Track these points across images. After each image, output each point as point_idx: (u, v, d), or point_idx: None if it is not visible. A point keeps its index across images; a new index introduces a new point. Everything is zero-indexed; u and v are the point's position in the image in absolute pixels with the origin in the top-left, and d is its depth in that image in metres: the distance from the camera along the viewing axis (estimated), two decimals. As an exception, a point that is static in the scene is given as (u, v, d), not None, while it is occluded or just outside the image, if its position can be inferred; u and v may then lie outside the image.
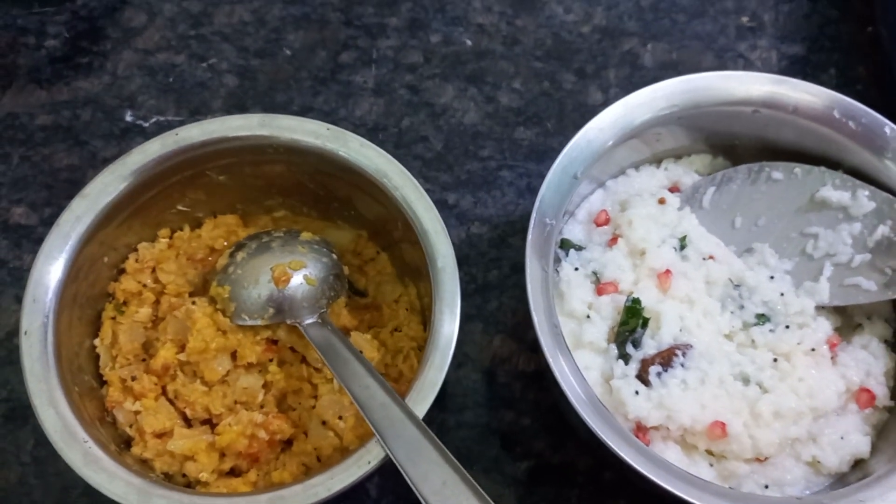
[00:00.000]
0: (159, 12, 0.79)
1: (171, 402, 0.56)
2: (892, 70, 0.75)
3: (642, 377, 0.54)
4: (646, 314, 0.55)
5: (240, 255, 0.58)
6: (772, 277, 0.57)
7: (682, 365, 0.54)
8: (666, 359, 0.54)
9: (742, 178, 0.60)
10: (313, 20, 0.79)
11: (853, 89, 0.77)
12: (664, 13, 0.80)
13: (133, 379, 0.56)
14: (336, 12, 0.79)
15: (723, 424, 0.51)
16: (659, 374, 0.54)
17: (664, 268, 0.57)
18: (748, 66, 0.77)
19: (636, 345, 0.55)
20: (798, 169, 0.59)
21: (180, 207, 0.62)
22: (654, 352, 0.55)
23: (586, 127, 0.56)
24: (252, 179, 0.62)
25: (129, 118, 0.74)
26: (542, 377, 0.64)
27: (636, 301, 0.55)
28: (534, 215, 0.53)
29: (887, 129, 0.57)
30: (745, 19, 0.79)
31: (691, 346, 0.55)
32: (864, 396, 0.55)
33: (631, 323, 0.55)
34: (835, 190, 0.57)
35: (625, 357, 0.55)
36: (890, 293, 0.55)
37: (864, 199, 0.56)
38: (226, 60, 0.77)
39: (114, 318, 0.58)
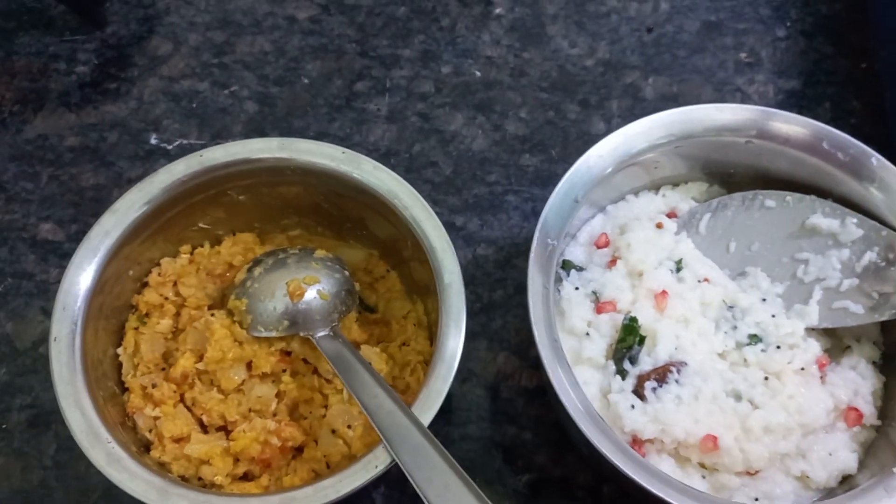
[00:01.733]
0: (184, 41, 0.83)
1: (188, 408, 0.59)
2: (886, 104, 0.78)
3: (638, 392, 0.56)
4: (642, 332, 0.58)
5: (257, 271, 0.61)
6: (764, 300, 0.60)
7: (677, 381, 0.56)
8: (661, 375, 0.57)
9: (736, 206, 0.63)
10: (330, 50, 0.83)
11: (847, 122, 0.80)
12: (665, 48, 0.83)
13: (153, 386, 0.59)
14: (352, 43, 0.83)
15: (715, 438, 0.54)
16: (654, 390, 0.56)
17: (661, 289, 0.59)
18: (745, 99, 0.81)
19: (633, 361, 0.57)
20: (790, 197, 0.61)
21: (202, 225, 0.65)
22: (649, 368, 0.57)
23: (587, 154, 0.59)
24: (270, 199, 0.65)
25: (153, 141, 0.78)
26: (544, 393, 0.67)
27: (633, 319, 0.58)
28: (536, 235, 0.56)
29: (874, 160, 0.59)
30: (743, 55, 0.83)
31: (686, 364, 0.57)
32: (852, 415, 0.57)
33: (628, 340, 0.57)
34: (824, 217, 0.60)
35: (622, 373, 0.57)
36: (876, 316, 0.57)
37: (853, 227, 0.59)
38: (246, 87, 0.81)
39: (136, 329, 0.61)
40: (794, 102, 0.81)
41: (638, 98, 0.81)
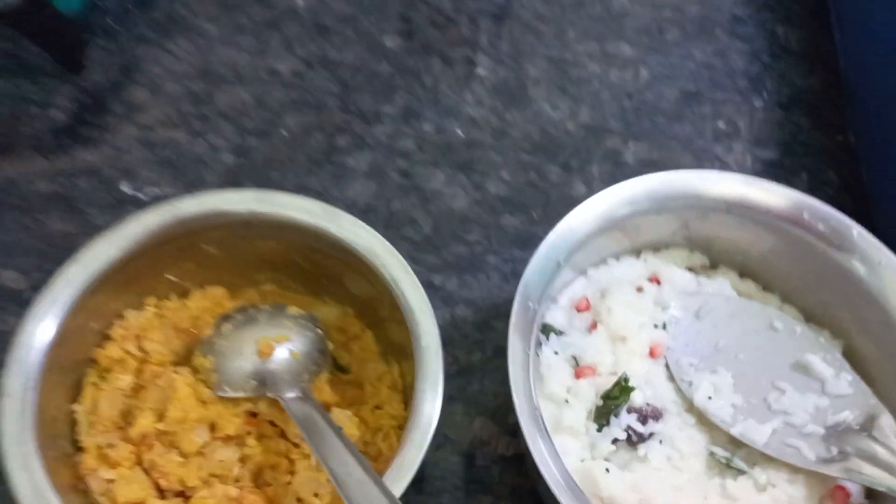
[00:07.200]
0: (163, 90, 0.82)
1: (146, 472, 0.56)
2: (861, 176, 0.79)
3: (630, 436, 0.55)
4: (632, 384, 0.57)
5: (225, 327, 0.59)
6: (710, 398, 0.57)
7: (659, 439, 0.55)
8: (643, 418, 0.56)
9: (747, 314, 0.60)
10: (311, 105, 0.82)
11: (824, 193, 0.80)
12: (645, 114, 0.84)
13: (110, 447, 0.56)
14: (334, 98, 0.83)
15: (697, 512, 0.52)
16: (639, 440, 0.55)
17: (652, 344, 0.59)
18: (724, 167, 0.81)
19: (618, 416, 0.56)
20: (799, 328, 0.59)
21: (170, 277, 0.63)
22: (633, 413, 0.56)
23: (569, 216, 0.59)
24: (243, 253, 0.63)
25: (125, 189, 0.76)
26: (521, 461, 0.64)
27: (626, 379, 0.57)
28: (518, 298, 0.55)
29: (854, 232, 0.59)
30: (721, 124, 0.84)
31: (664, 412, 0.56)
32: (839, 494, 0.55)
33: (622, 398, 0.56)
34: (822, 362, 0.57)
35: (603, 428, 0.56)
36: (823, 469, 0.54)
37: (845, 383, 0.57)
38: (224, 138, 0.79)
39: (95, 384, 0.58)
40: (772, 172, 0.82)
41: (618, 163, 0.81)
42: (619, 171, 0.80)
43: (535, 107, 0.84)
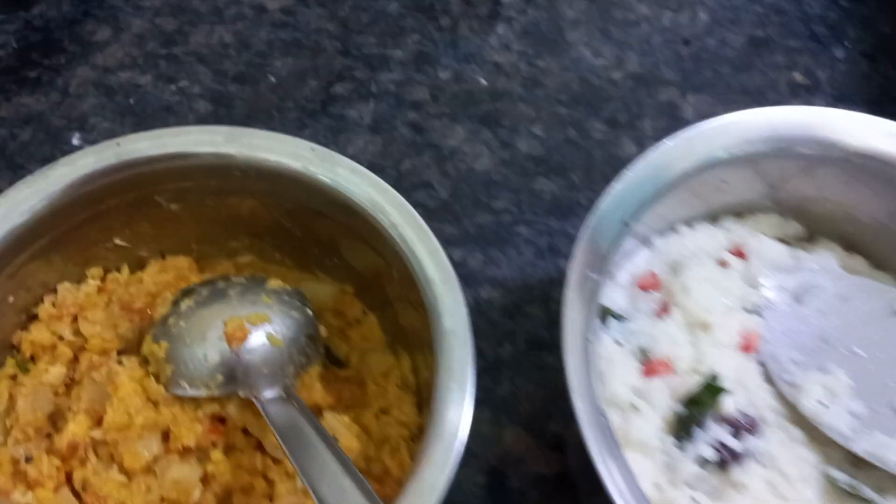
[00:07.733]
0: (127, 28, 0.69)
1: (76, 494, 0.42)
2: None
3: (723, 456, 0.42)
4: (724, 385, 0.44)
5: (185, 304, 0.45)
6: (823, 404, 0.44)
7: (759, 461, 0.41)
8: (735, 428, 0.42)
9: (863, 296, 0.48)
10: (305, 47, 0.69)
11: (921, 158, 0.66)
12: (706, 63, 0.70)
13: (29, 460, 0.42)
14: (332, 40, 0.69)
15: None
16: (735, 455, 0.42)
17: (746, 334, 0.46)
18: (803, 125, 0.67)
19: (702, 426, 0.43)
20: None
21: (118, 241, 0.49)
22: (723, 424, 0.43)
23: (642, 162, 0.45)
24: (213, 212, 0.50)
25: (75, 141, 0.63)
26: (566, 483, 0.50)
27: (714, 378, 0.43)
28: (574, 266, 0.41)
29: None
30: (797, 75, 0.70)
31: (762, 423, 0.43)
32: None
33: (709, 404, 0.42)
34: None
35: (684, 441, 0.42)
36: None
37: None
38: (199, 84, 0.66)
39: (14, 378, 0.45)
40: (860, 132, 0.68)
41: (676, 118, 0.67)
42: (676, 128, 0.65)
43: (573, 53, 0.70)
